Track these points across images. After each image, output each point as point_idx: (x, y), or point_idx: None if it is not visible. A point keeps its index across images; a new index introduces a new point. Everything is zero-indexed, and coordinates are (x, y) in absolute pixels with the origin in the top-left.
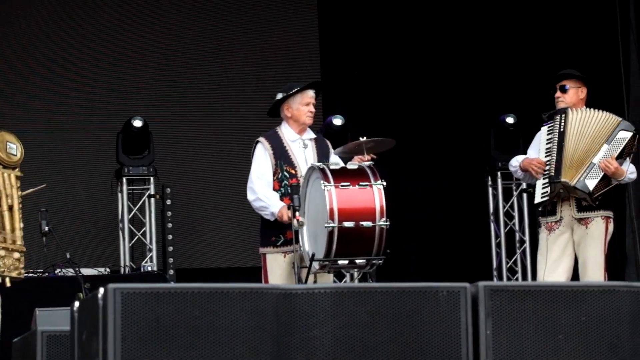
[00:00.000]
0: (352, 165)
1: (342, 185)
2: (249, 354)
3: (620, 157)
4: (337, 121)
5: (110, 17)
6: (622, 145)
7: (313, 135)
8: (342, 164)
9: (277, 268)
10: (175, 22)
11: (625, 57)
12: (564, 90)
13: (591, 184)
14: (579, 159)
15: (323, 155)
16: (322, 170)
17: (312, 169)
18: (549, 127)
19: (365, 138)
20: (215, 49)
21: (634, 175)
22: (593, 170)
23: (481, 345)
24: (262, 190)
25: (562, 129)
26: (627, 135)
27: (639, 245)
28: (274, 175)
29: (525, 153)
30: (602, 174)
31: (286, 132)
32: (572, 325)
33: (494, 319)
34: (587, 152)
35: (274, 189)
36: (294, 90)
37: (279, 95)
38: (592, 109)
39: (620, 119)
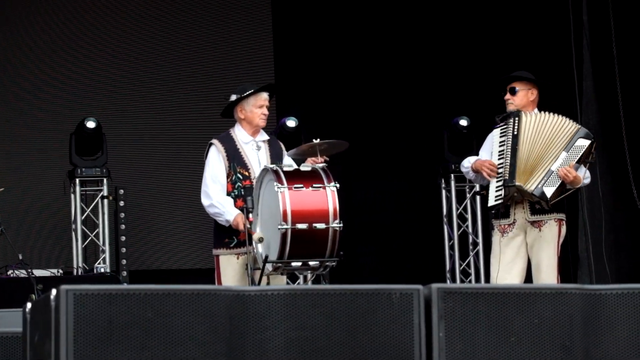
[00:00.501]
0: (306, 167)
1: (295, 187)
2: (201, 356)
3: (577, 164)
4: (291, 123)
5: (62, 18)
6: (580, 153)
7: (266, 137)
8: (295, 166)
9: (230, 269)
10: (128, 23)
11: (578, 60)
12: (513, 92)
13: (549, 191)
14: (533, 163)
15: (276, 157)
16: (275, 172)
17: (265, 170)
18: (501, 129)
19: (318, 140)
20: (169, 51)
21: (588, 180)
22: (551, 177)
23: (434, 347)
24: (216, 196)
25: (515, 133)
26: (586, 143)
27: (591, 248)
28: (227, 178)
29: (477, 155)
30: (560, 181)
31: (239, 133)
32: (524, 328)
33: (446, 321)
34: (543, 157)
35: (228, 191)
36: (247, 92)
37: (233, 97)
38: (545, 113)
39: (579, 126)
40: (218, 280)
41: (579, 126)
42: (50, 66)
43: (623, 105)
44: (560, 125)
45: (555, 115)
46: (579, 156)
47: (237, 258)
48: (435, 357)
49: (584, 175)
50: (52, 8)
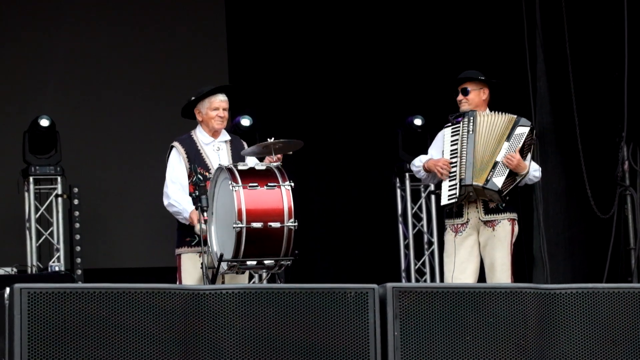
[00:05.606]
0: (260, 166)
1: (250, 186)
2: (156, 354)
3: (522, 152)
4: (245, 122)
5: (16, 15)
6: (522, 141)
7: (228, 137)
8: (253, 165)
9: (192, 268)
10: (83, 21)
11: (532, 60)
12: (466, 93)
13: (499, 181)
14: (487, 162)
15: (238, 157)
16: (230, 171)
17: (219, 169)
18: (453, 129)
19: (273, 139)
20: (123, 50)
21: (538, 173)
22: (498, 168)
23: (389, 346)
24: (175, 195)
25: (471, 132)
26: (525, 130)
27: (546, 247)
28: (189, 178)
29: (427, 153)
30: (507, 170)
31: (200, 135)
32: (479, 326)
33: (402, 320)
34: (492, 154)
35: (190, 192)
36: (202, 94)
37: (193, 98)
38: (497, 113)
39: (516, 116)
40: (179, 279)
41: (516, 116)
42: (3, 64)
43: (577, 105)
44: (505, 121)
45: (503, 113)
46: (521, 144)
47: (199, 256)
48: (390, 356)
49: (530, 166)
50: (2, 7)
